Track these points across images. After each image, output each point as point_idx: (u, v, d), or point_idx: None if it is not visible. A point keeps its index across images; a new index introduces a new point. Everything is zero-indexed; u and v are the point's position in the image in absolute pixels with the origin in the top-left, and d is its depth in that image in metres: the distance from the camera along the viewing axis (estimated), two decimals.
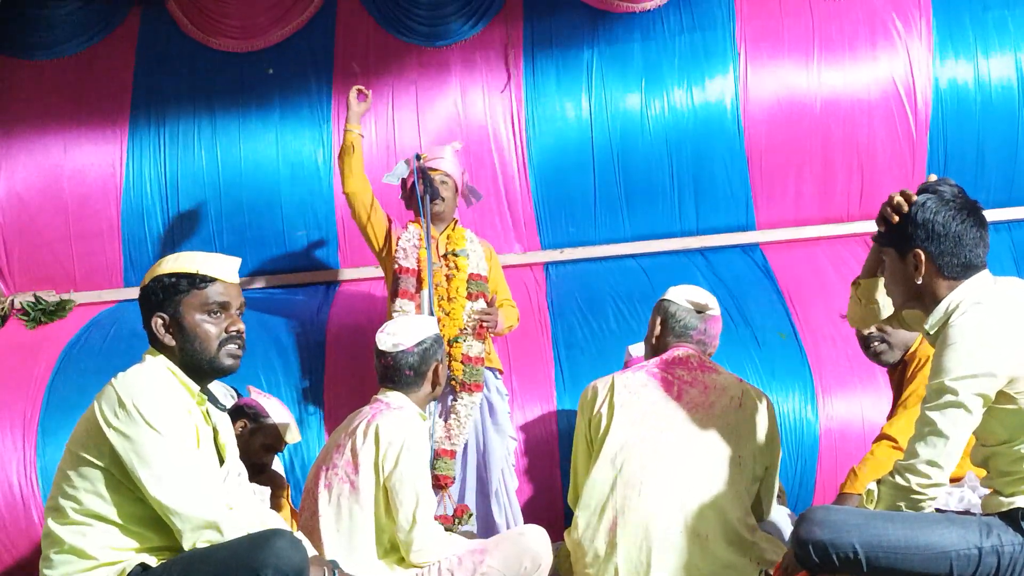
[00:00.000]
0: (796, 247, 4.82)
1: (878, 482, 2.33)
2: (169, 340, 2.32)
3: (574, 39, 4.86)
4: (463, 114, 4.81)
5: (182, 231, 4.87)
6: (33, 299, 4.73)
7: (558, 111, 4.80)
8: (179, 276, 2.33)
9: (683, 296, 3.00)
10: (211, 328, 2.33)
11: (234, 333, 2.36)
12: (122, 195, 4.85)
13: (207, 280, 2.34)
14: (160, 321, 2.33)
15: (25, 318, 4.71)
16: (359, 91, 4.07)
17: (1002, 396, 2.24)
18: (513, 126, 4.80)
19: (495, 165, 4.80)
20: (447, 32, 4.86)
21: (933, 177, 2.42)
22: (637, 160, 4.77)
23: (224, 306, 2.36)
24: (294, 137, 4.87)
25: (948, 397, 2.21)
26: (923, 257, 2.33)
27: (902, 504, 2.27)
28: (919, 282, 2.34)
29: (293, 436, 3.53)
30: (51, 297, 4.81)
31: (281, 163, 4.85)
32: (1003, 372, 2.22)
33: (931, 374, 2.27)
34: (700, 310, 2.98)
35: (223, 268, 2.38)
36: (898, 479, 2.26)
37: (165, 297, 2.33)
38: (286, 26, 4.89)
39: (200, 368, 2.34)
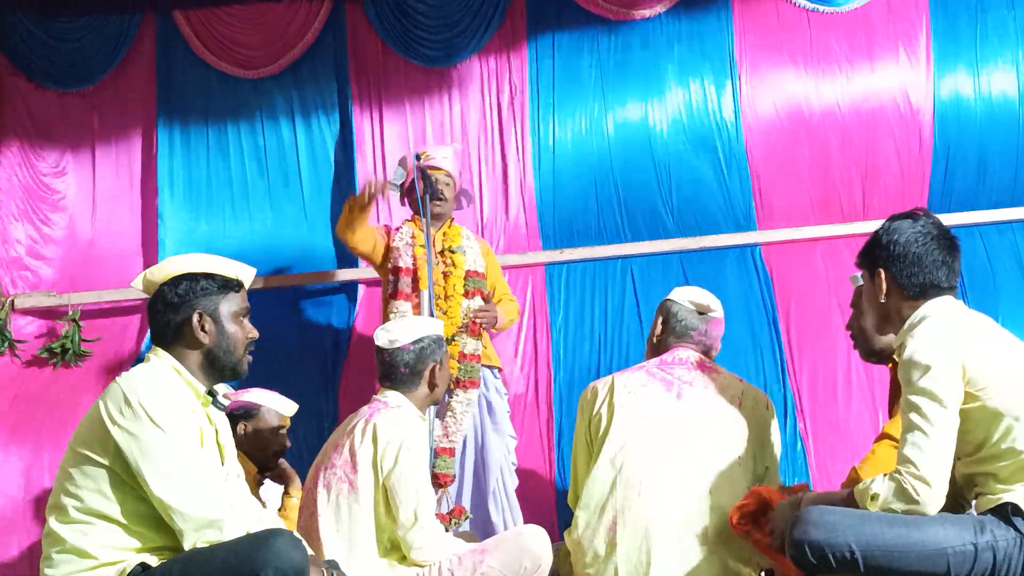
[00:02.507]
0: (797, 258, 4.84)
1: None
2: (204, 338, 2.35)
3: (576, 47, 4.94)
4: (469, 128, 4.91)
5: (188, 233, 4.92)
6: (58, 342, 4.69)
7: (562, 118, 4.89)
8: (215, 277, 2.39)
9: (686, 297, 3.01)
10: (240, 333, 2.40)
11: (252, 339, 2.44)
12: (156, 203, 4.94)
13: (240, 285, 2.43)
14: (197, 318, 2.35)
15: (51, 356, 4.69)
16: (384, 186, 3.98)
17: (968, 396, 2.30)
18: (517, 137, 4.89)
19: (501, 173, 4.87)
20: (453, 52, 4.91)
21: None
22: (638, 166, 4.85)
23: (248, 312, 2.44)
24: (300, 145, 4.97)
25: (921, 398, 2.28)
26: (883, 275, 2.48)
27: (899, 507, 2.27)
28: (883, 301, 2.49)
29: (290, 408, 3.56)
30: (51, 299, 4.82)
31: (287, 169, 4.95)
32: (958, 365, 2.29)
33: (902, 381, 2.35)
34: (702, 311, 2.98)
35: (248, 275, 2.47)
36: (896, 483, 2.28)
37: (203, 296, 2.36)
38: (293, 48, 4.95)
39: (222, 369, 2.39)
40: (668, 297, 3.05)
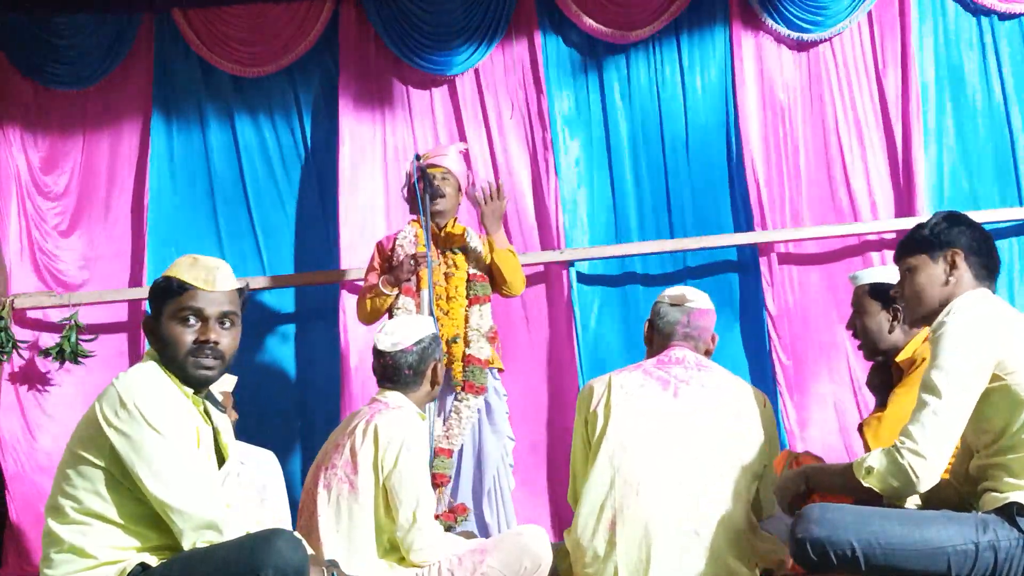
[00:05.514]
0: (797, 259, 4.87)
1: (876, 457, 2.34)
2: (152, 342, 2.36)
3: (580, 59, 5.00)
4: (471, 133, 4.93)
5: (191, 236, 4.94)
6: (57, 345, 4.69)
7: (569, 131, 4.96)
8: (166, 280, 2.36)
9: (666, 294, 3.04)
10: (181, 335, 2.31)
11: (203, 342, 2.31)
12: (147, 201, 4.92)
13: (185, 287, 2.33)
14: (145, 323, 2.38)
15: (56, 355, 4.70)
16: (415, 258, 3.83)
17: (994, 377, 2.31)
18: (518, 140, 4.94)
19: (504, 175, 4.89)
20: (453, 59, 4.93)
21: None
22: (647, 169, 4.92)
23: (198, 313, 2.32)
24: (299, 145, 5.01)
25: (940, 375, 2.28)
26: (959, 256, 2.46)
27: (895, 483, 2.28)
28: (952, 280, 2.46)
29: (229, 383, 3.54)
30: (52, 299, 4.83)
31: (290, 171, 4.99)
32: (990, 351, 2.29)
33: (929, 356, 2.36)
34: (677, 303, 2.98)
35: (203, 276, 2.35)
36: (893, 458, 2.28)
37: (156, 301, 2.37)
38: (294, 50, 4.96)
39: (176, 374, 2.33)
40: (656, 300, 3.08)
